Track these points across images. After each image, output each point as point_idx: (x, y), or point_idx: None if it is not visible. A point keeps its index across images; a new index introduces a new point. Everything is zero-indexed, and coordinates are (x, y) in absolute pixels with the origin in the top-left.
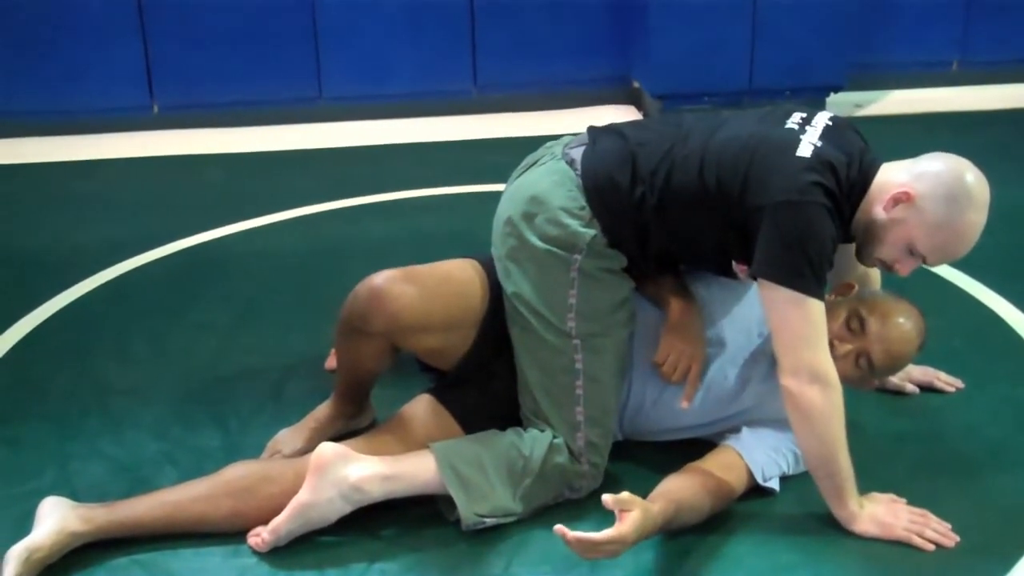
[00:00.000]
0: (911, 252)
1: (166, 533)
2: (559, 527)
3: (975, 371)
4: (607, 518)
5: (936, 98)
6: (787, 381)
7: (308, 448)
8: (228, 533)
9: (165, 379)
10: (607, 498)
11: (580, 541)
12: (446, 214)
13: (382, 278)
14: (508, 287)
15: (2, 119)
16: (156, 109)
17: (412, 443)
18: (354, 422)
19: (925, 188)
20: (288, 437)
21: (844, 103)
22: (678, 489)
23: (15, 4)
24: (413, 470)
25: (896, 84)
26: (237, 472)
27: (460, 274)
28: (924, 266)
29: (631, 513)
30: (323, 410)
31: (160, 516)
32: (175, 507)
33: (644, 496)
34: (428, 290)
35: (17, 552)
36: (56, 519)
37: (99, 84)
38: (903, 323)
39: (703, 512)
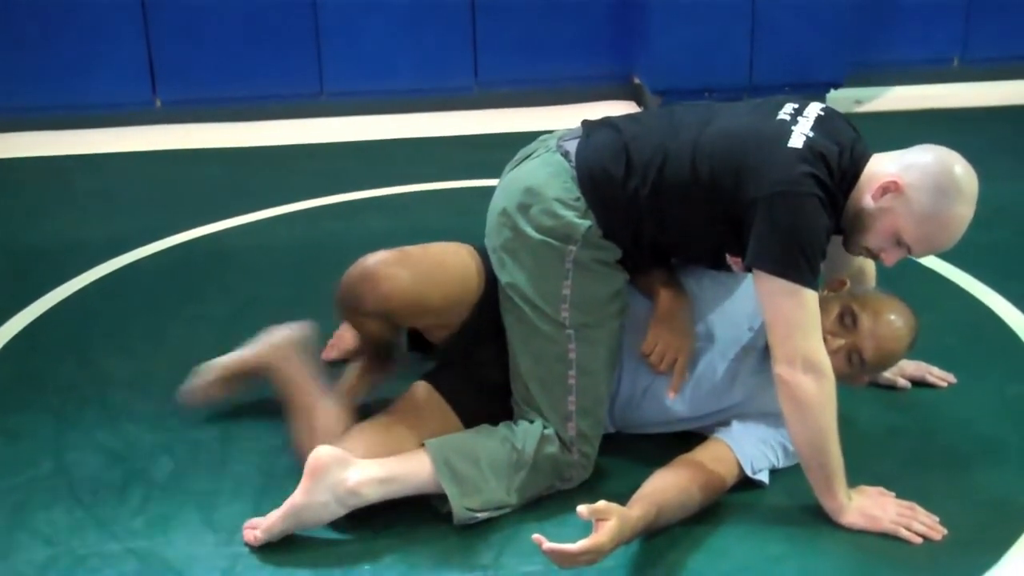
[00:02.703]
0: (897, 242)
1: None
2: (537, 536)
3: (968, 367)
4: None
5: (937, 95)
6: (781, 370)
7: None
8: None
9: (163, 371)
10: (582, 509)
11: (555, 552)
12: (446, 209)
13: (374, 260)
14: (503, 277)
15: (4, 113)
16: (159, 104)
17: (411, 433)
18: (385, 372)
19: (914, 178)
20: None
21: (844, 99)
22: (663, 489)
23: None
24: (408, 471)
25: (897, 80)
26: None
27: (455, 259)
28: (911, 257)
29: (607, 522)
30: (352, 373)
31: (302, 403)
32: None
33: (633, 490)
34: (421, 274)
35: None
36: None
37: (102, 78)
38: (895, 320)
39: (689, 509)
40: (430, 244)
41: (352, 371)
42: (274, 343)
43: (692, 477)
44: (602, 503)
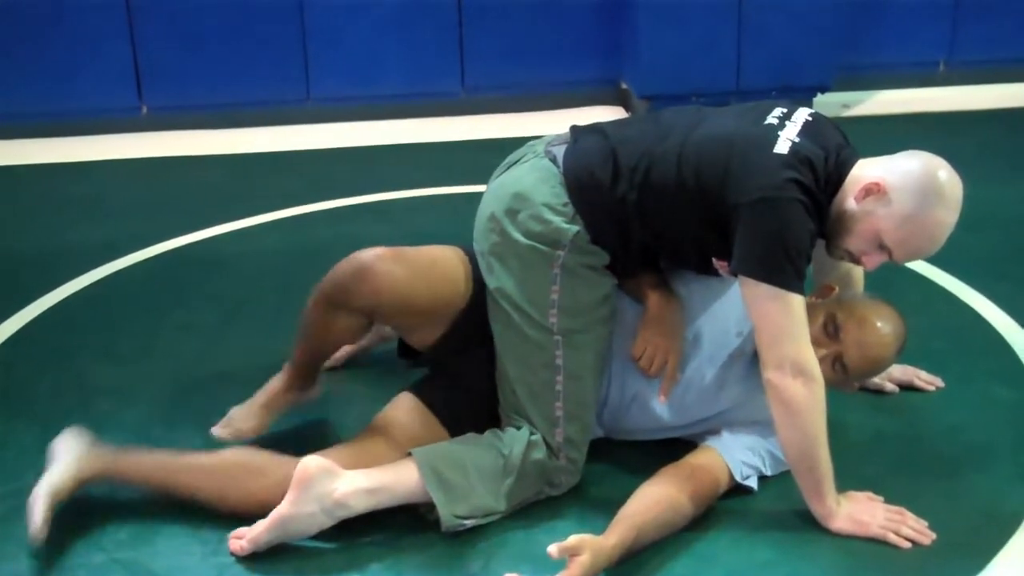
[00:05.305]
0: (878, 245)
1: (161, 493)
2: None
3: (956, 370)
4: (586, 516)
5: (923, 98)
6: (770, 375)
7: (263, 424)
8: (215, 512)
9: (150, 379)
10: (552, 549)
11: None
12: (435, 215)
13: (370, 255)
14: (491, 282)
15: None
16: (145, 110)
17: (396, 444)
18: (305, 395)
19: (897, 181)
20: (242, 415)
21: (831, 103)
22: (645, 509)
23: (3, 6)
24: (396, 481)
25: (883, 84)
26: (236, 458)
27: (447, 260)
28: (892, 262)
29: (579, 557)
30: (275, 383)
31: (159, 478)
32: (173, 473)
33: (623, 497)
34: (415, 272)
35: (43, 493)
36: (72, 461)
37: (88, 85)
38: (880, 327)
39: (678, 523)
40: (423, 246)
41: (275, 383)
42: (82, 455)
43: (681, 488)
44: (573, 538)
